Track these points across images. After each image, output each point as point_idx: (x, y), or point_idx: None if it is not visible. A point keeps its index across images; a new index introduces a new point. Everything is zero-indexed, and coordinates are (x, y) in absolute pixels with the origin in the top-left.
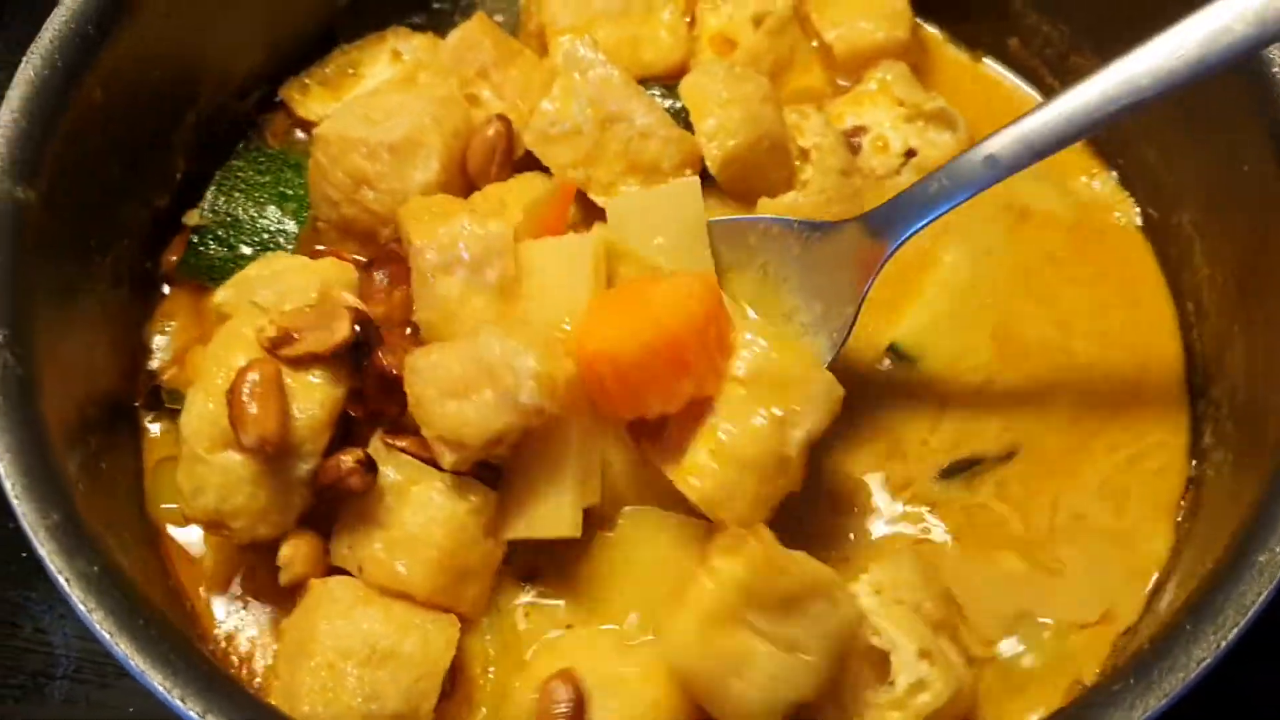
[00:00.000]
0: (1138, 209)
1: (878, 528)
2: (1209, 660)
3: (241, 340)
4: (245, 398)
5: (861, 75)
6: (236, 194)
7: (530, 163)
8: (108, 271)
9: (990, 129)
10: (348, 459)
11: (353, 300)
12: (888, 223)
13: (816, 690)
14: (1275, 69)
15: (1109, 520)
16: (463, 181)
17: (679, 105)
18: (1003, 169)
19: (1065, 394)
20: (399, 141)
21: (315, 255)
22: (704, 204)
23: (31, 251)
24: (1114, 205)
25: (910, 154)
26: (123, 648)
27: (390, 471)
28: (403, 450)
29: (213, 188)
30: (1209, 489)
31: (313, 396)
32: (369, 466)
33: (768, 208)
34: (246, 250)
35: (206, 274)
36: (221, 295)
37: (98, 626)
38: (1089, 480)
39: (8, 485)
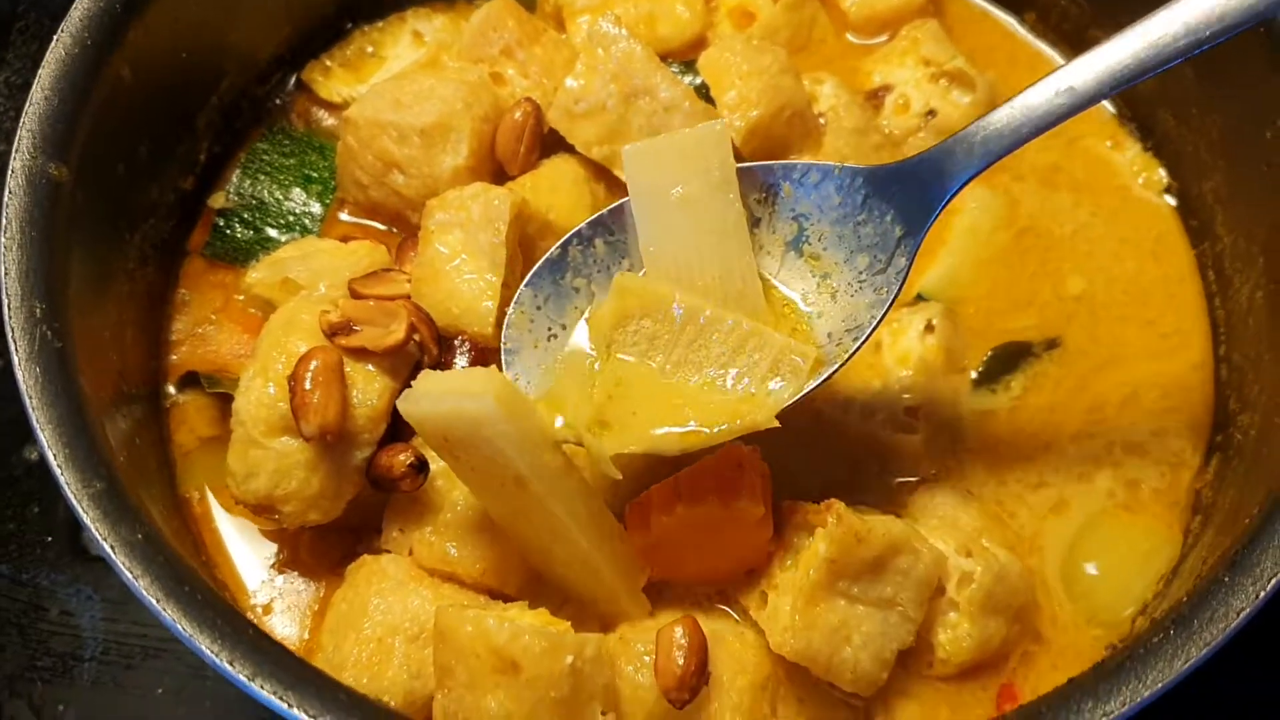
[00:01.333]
0: (1163, 171)
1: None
2: (1248, 610)
3: (301, 326)
4: (308, 385)
5: (894, 33)
6: (262, 177)
7: (555, 139)
8: (135, 250)
9: (1013, 85)
10: (402, 459)
11: (414, 309)
12: (945, 163)
13: (915, 633)
14: None
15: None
16: (492, 165)
17: (699, 81)
18: (1081, 99)
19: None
20: (429, 126)
21: (341, 237)
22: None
23: (64, 228)
24: (1139, 171)
25: (930, 114)
26: (170, 613)
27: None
28: None
29: (238, 170)
30: (1235, 453)
31: (372, 386)
32: (420, 468)
33: None
34: (272, 233)
35: (232, 256)
36: (254, 275)
37: (144, 593)
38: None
39: (50, 455)
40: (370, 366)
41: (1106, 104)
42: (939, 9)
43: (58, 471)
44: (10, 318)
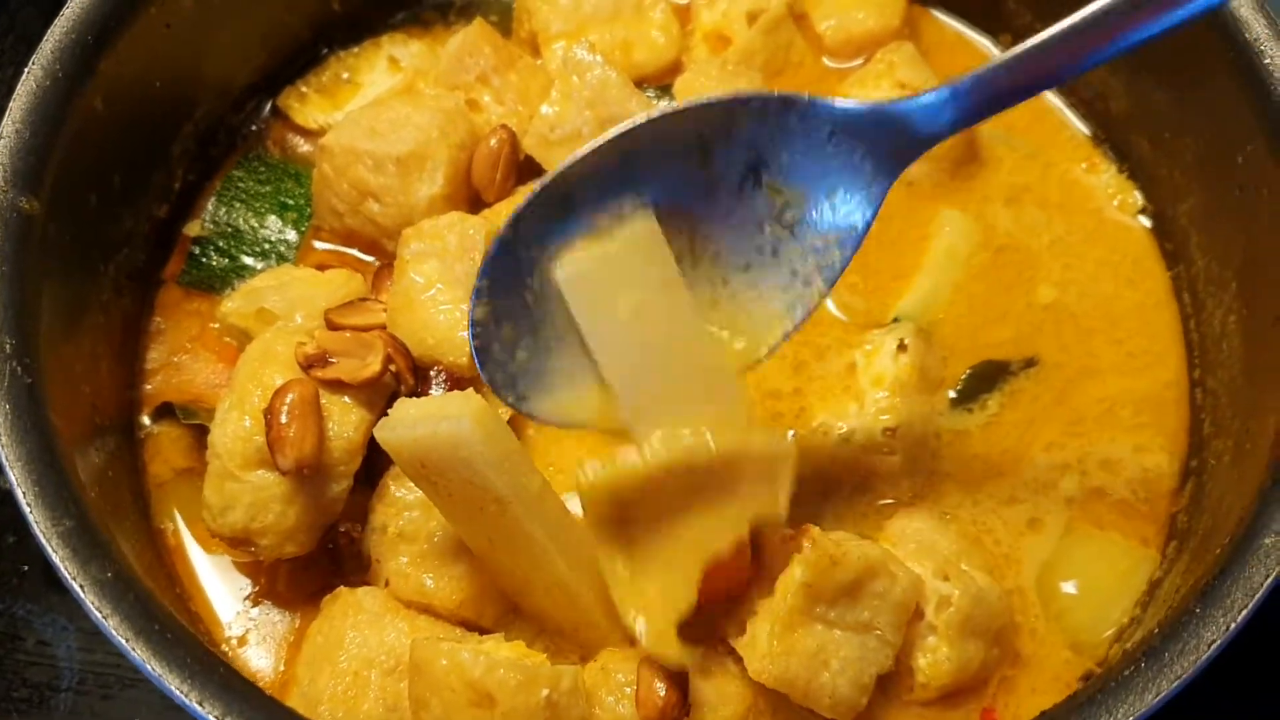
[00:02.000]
0: (1138, 194)
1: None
2: (1219, 642)
3: (277, 358)
4: (284, 418)
5: (870, 56)
6: (237, 204)
7: (532, 167)
8: (109, 281)
9: None
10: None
11: (390, 339)
12: (919, 113)
13: (894, 657)
14: (1267, 60)
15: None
16: (468, 192)
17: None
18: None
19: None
20: (405, 155)
21: (318, 265)
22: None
23: (36, 262)
24: (1114, 194)
25: None
26: (139, 653)
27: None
28: None
29: (213, 198)
30: (1210, 478)
31: (348, 419)
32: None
33: None
34: (248, 260)
35: (208, 284)
36: (229, 305)
37: (114, 632)
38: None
39: (19, 493)
40: (346, 399)
41: (1081, 126)
42: (914, 32)
43: (26, 510)
44: None
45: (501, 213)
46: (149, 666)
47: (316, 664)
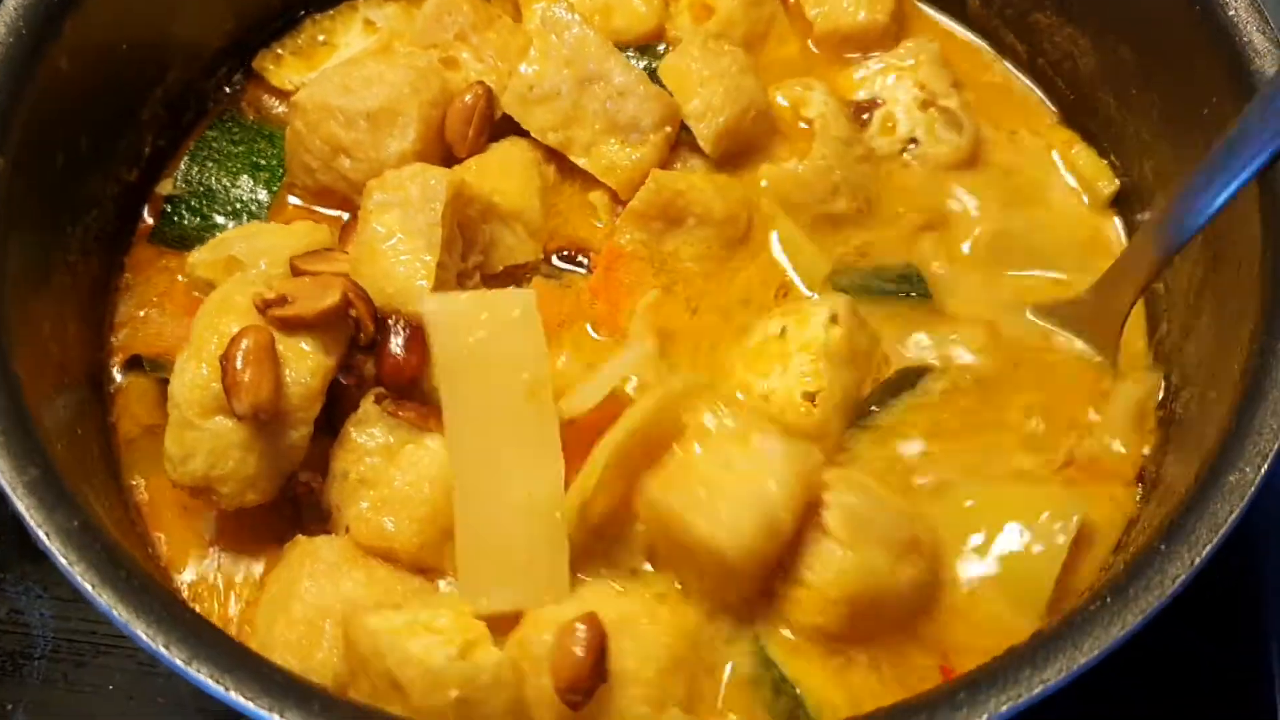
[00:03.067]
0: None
1: None
2: (1184, 577)
3: (235, 307)
4: (239, 364)
5: (862, 50)
6: (210, 164)
7: (510, 126)
8: (77, 242)
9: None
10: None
11: (352, 284)
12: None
13: None
14: (1231, 11)
15: None
16: (441, 149)
17: (653, 66)
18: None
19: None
20: (376, 110)
21: (288, 223)
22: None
23: (3, 218)
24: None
25: (914, 142)
26: (105, 599)
27: (379, 434)
28: (404, 418)
29: (186, 158)
30: (1176, 429)
31: (305, 364)
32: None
33: (770, 174)
34: (220, 219)
35: (179, 243)
36: (197, 256)
37: (79, 579)
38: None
39: None
40: (304, 345)
41: (1045, 99)
42: (902, 29)
43: None
44: None
45: (471, 167)
46: (115, 612)
47: (272, 612)
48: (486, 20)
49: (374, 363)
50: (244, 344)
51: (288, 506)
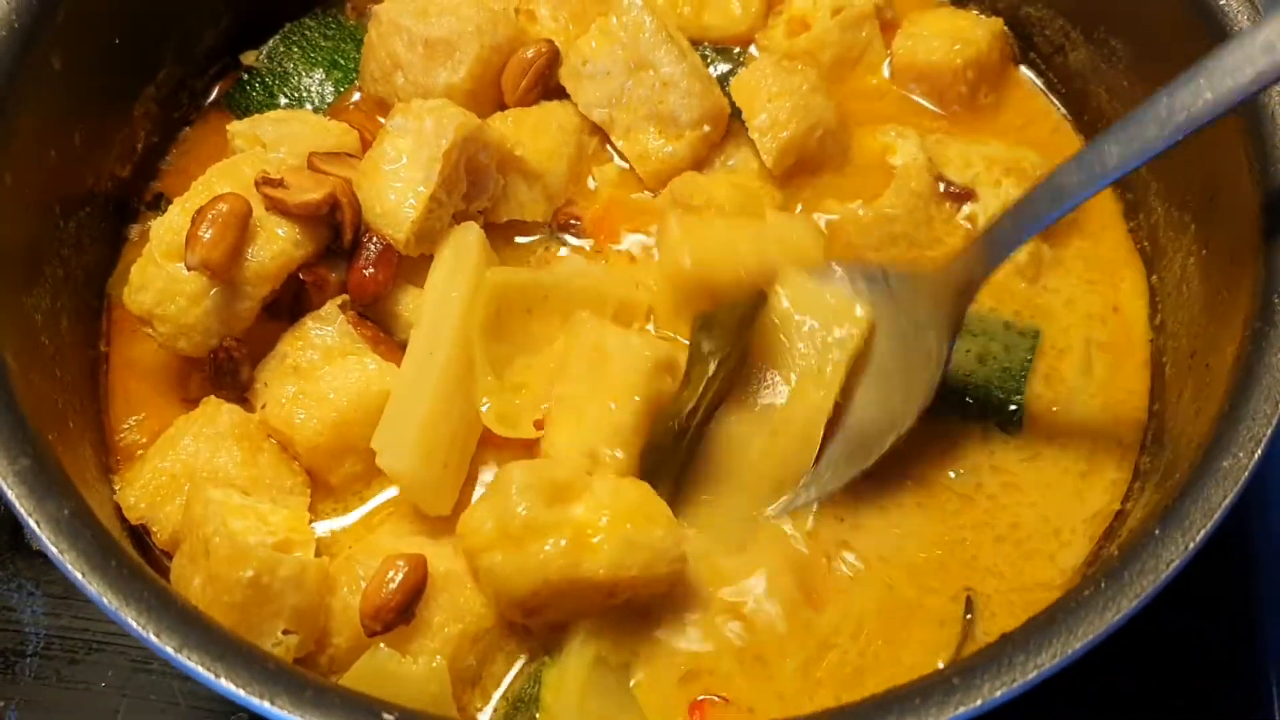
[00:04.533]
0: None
1: None
2: (1178, 562)
3: (236, 174)
4: (206, 221)
5: (926, 90)
6: (295, 50)
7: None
8: (71, 237)
9: None
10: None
11: (348, 191)
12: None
13: None
14: (1223, 2)
15: None
16: (494, 93)
17: (728, 71)
18: (1110, 170)
19: None
20: (436, 40)
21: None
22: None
23: None
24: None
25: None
26: (95, 587)
27: (330, 334)
28: (359, 333)
29: (277, 37)
30: (1170, 417)
31: (270, 247)
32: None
33: (834, 210)
34: (283, 101)
35: (243, 112)
36: (238, 126)
37: (69, 567)
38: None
39: None
40: (280, 230)
41: (1040, 87)
42: (993, 87)
43: None
44: None
45: (508, 118)
46: (104, 600)
47: (158, 451)
48: None
49: (345, 272)
50: (220, 207)
51: (208, 366)
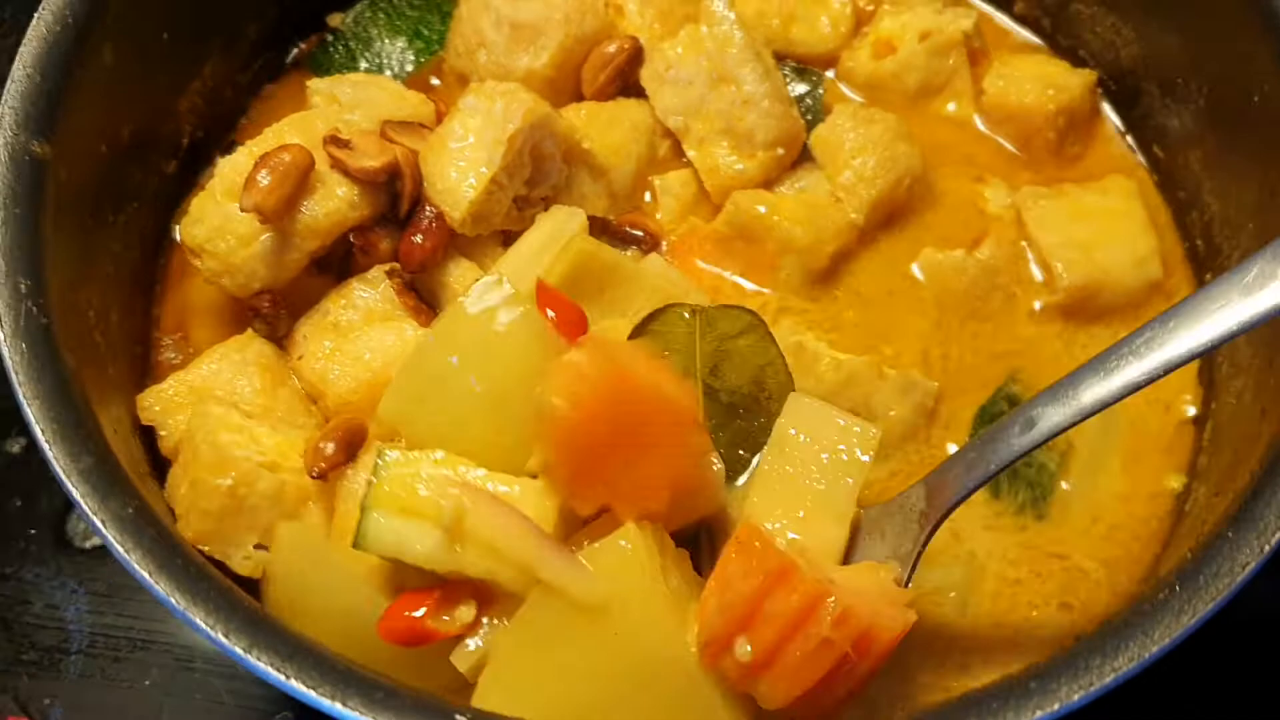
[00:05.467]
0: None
1: None
2: (1254, 565)
3: (308, 128)
4: (267, 168)
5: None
6: (382, 16)
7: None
8: (119, 232)
9: None
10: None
11: (412, 162)
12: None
13: None
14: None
15: None
16: (573, 84)
17: (801, 90)
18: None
19: None
20: (523, 23)
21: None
22: None
23: (49, 206)
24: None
25: None
26: (163, 587)
27: (373, 297)
28: (401, 300)
29: (365, 1)
30: (1228, 417)
31: (326, 204)
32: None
33: (928, 259)
34: (363, 65)
35: (324, 72)
36: (317, 83)
37: (136, 567)
38: None
39: (38, 431)
40: (339, 190)
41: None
42: (1080, 136)
43: (46, 447)
44: None
45: (581, 110)
46: (173, 600)
47: (193, 366)
48: None
49: (396, 239)
50: (284, 156)
51: (247, 311)
